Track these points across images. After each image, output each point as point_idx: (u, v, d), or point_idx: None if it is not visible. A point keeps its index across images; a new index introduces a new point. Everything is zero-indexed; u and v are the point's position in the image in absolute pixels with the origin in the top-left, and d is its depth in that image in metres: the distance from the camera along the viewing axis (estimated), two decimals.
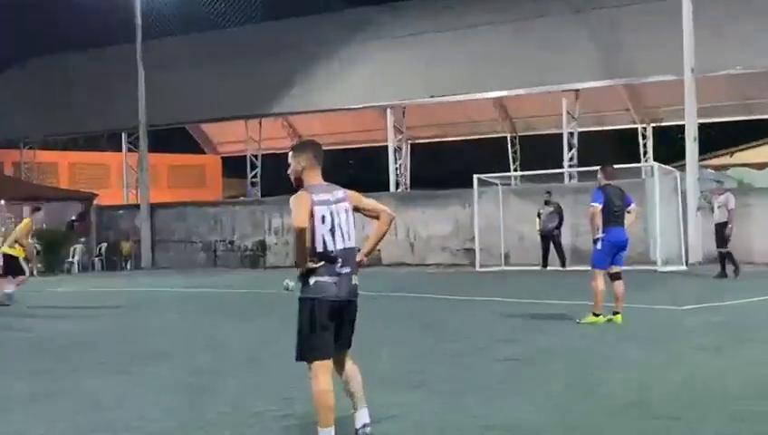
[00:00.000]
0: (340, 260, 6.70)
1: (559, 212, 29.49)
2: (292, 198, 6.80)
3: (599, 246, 15.71)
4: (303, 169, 6.93)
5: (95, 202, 41.96)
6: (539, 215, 30.47)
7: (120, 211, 41.81)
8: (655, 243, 26.50)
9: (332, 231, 6.72)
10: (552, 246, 29.95)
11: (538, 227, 30.72)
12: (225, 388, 10.40)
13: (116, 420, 8.60)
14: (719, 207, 24.61)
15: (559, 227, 29.62)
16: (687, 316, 16.57)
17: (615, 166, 17.86)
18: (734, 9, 32.43)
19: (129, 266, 39.72)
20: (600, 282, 15.47)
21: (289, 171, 7.03)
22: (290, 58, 44.22)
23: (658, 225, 26.80)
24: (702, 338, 13.86)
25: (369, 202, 7.24)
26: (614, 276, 15.63)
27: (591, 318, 15.47)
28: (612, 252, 15.77)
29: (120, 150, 46.11)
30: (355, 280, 6.87)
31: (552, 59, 37.08)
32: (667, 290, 20.56)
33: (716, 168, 38.46)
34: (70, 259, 38.92)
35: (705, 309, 17.31)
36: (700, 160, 30.32)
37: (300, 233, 6.65)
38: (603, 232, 15.74)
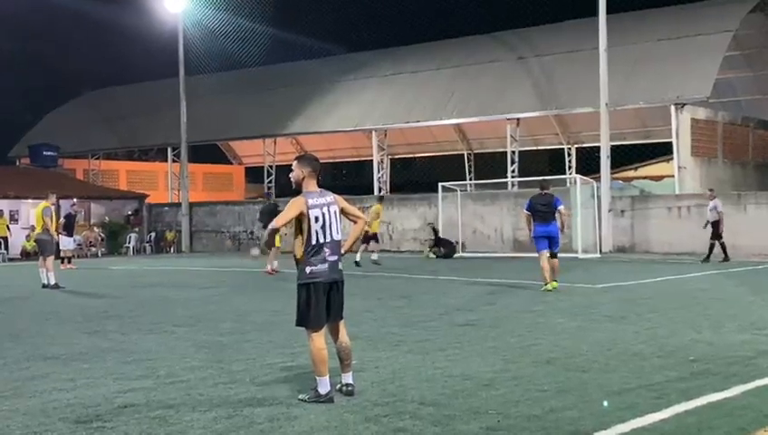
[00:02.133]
0: (327, 250, 6.86)
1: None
2: (291, 201, 7.01)
3: (533, 236, 17.42)
4: (303, 178, 7.01)
5: (146, 201, 41.82)
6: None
7: (166, 208, 41.77)
8: (576, 236, 26.63)
9: (323, 228, 6.86)
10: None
11: None
12: (245, 346, 10.52)
13: (158, 369, 8.67)
14: (710, 209, 24.57)
15: None
16: (601, 293, 16.69)
17: (546, 178, 20.15)
18: (638, 58, 32.55)
19: (172, 251, 39.55)
20: (542, 261, 16.83)
21: (291, 176, 7.12)
22: (298, 91, 44.13)
23: (579, 222, 26.94)
24: (611, 309, 14.06)
25: (351, 208, 7.34)
26: (552, 256, 16.86)
27: (544, 287, 16.67)
28: (544, 239, 16.97)
29: (166, 161, 45.85)
30: (340, 265, 7.02)
31: (499, 94, 37.25)
32: (585, 272, 20.56)
33: (624, 179, 38.60)
34: (126, 245, 38.82)
35: (615, 287, 17.52)
36: (612, 174, 30.45)
37: (273, 231, 7.55)
38: (533, 228, 17.36)
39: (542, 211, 17.32)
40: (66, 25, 73.70)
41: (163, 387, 8.00)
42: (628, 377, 8.15)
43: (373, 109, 41.29)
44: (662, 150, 36.94)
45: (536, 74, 36.35)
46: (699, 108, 32.74)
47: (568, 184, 29.83)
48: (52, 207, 20.81)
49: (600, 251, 27.65)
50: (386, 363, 8.46)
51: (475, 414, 6.35)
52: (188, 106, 39.66)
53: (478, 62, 39.41)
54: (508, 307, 14.80)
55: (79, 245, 33.74)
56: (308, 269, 6.88)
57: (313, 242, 6.86)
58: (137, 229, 40.10)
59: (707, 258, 23.78)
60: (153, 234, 40.72)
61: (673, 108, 32.40)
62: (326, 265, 6.88)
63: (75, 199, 32.17)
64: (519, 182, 33.49)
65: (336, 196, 7.00)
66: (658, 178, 37.75)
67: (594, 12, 28.94)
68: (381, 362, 8.39)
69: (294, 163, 7.12)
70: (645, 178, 39.02)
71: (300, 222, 6.92)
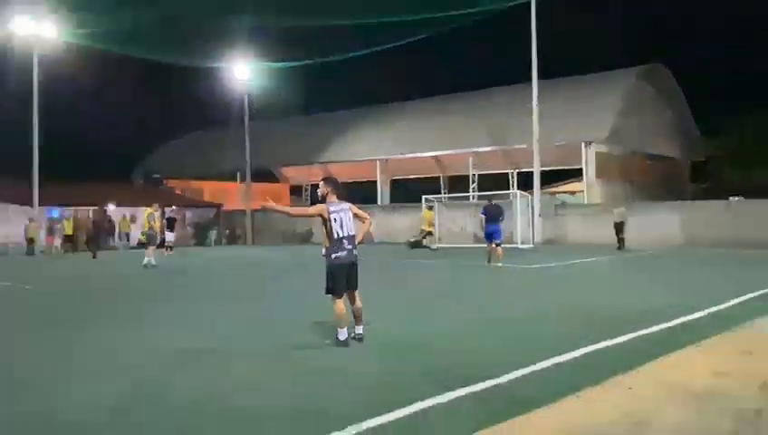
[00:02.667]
0: (345, 242, 7.09)
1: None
2: (317, 205, 7.45)
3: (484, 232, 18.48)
4: (327, 192, 7.24)
5: (222, 208, 41.83)
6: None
7: (236, 213, 41.63)
8: (517, 232, 26.77)
9: (341, 227, 7.08)
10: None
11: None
12: (290, 309, 10.54)
13: (213, 337, 8.23)
14: (616, 211, 24.73)
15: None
16: (534, 271, 16.57)
17: (496, 193, 20.03)
18: (560, 111, 32.69)
19: (240, 243, 39.23)
20: (490, 249, 18.00)
21: (318, 191, 7.39)
22: (326, 132, 44.42)
23: (519, 223, 27.17)
24: (542, 282, 14.23)
25: (360, 212, 7.42)
26: (497, 245, 17.83)
27: (492, 265, 17.42)
28: (491, 234, 18.07)
29: (236, 181, 45.77)
30: (355, 252, 7.22)
31: (463, 134, 37.54)
32: (523, 257, 20.61)
33: (551, 193, 38.70)
34: (209, 239, 38.89)
35: (544, 267, 17.31)
36: (541, 190, 30.57)
37: (289, 212, 8.57)
38: (485, 227, 18.46)
39: (494, 216, 18.12)
40: (164, 83, 73.69)
41: (250, 334, 8.28)
42: (548, 325, 8.28)
43: (378, 145, 41.56)
44: (575, 174, 37.12)
45: (488, 120, 36.57)
46: (601, 145, 32.97)
47: (511, 197, 29.88)
48: (156, 213, 21.03)
49: (533, 242, 27.79)
50: (378, 322, 8.31)
51: (440, 353, 6.72)
52: (251, 141, 39.79)
53: (449, 113, 39.59)
54: (468, 282, 14.81)
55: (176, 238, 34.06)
56: (333, 255, 7.08)
57: (335, 237, 7.05)
58: (216, 228, 40.02)
59: (622, 247, 23.88)
60: (227, 231, 40.57)
61: (583, 145, 32.77)
62: (345, 252, 7.08)
63: (174, 207, 32.43)
64: (478, 196, 33.62)
65: (350, 204, 7.31)
66: (573, 193, 37.99)
67: (530, 78, 29.11)
68: (374, 321, 8.14)
69: (321, 183, 7.40)
70: (564, 192, 39.19)
71: (324, 224, 7.13)
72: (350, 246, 7.15)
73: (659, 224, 27.06)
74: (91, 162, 52.83)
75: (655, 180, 37.20)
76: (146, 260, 19.40)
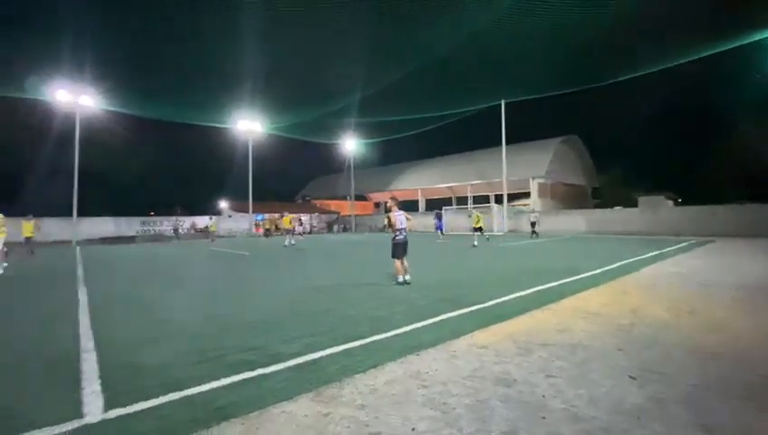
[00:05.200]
0: (401, 230, 6.95)
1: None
2: (389, 214, 7.03)
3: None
4: (391, 207, 7.03)
5: (339, 214, 42.13)
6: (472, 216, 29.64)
7: (346, 217, 41.86)
8: (494, 226, 26.00)
9: (400, 223, 6.95)
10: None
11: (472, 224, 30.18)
12: (372, 265, 9.82)
13: (330, 279, 7.52)
14: (532, 215, 22.48)
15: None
16: (502, 247, 15.11)
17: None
18: (518, 160, 31.56)
19: (348, 232, 38.18)
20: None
21: (387, 204, 7.14)
22: (393, 173, 44.04)
23: (495, 221, 26.38)
24: (508, 253, 12.86)
25: (409, 216, 7.12)
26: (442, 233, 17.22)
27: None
28: (439, 227, 17.32)
29: (346, 199, 45.70)
30: (406, 236, 7.01)
31: (464, 175, 36.50)
32: (495, 240, 19.84)
33: (513, 206, 37.49)
34: (333, 229, 38.31)
35: (508, 246, 15.90)
36: (509, 203, 29.63)
37: (389, 223, 7.09)
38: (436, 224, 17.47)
39: (440, 217, 17.78)
40: (309, 150, 74.43)
41: (350, 278, 7.72)
42: (512, 276, 7.79)
43: (419, 179, 40.81)
44: (526, 195, 35.73)
45: (478, 166, 35.67)
46: (540, 178, 31.56)
47: (493, 208, 29.06)
48: (294, 216, 20.81)
49: (503, 232, 26.95)
50: (419, 273, 8.19)
51: (450, 291, 6.50)
52: (356, 179, 40.05)
53: (455, 164, 38.68)
54: (459, 255, 13.74)
55: (306, 231, 34.53)
56: (396, 237, 6.98)
57: (397, 227, 6.98)
58: (336, 224, 39.79)
59: (535, 237, 21.57)
60: (342, 226, 40.08)
61: (531, 179, 31.51)
62: (402, 236, 6.99)
63: (309, 216, 32.95)
64: (472, 207, 32.94)
65: (403, 211, 7.20)
66: (525, 205, 36.56)
67: (500, 143, 28.32)
68: (418, 273, 8.02)
69: (390, 200, 7.15)
70: (520, 205, 37.73)
71: (390, 221, 7.00)
72: (404, 233, 7.03)
73: (572, 222, 25.73)
74: (275, 189, 54.62)
75: (569, 198, 35.40)
76: (286, 241, 18.43)
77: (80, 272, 9.52)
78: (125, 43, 16.29)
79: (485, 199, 36.98)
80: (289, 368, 3.32)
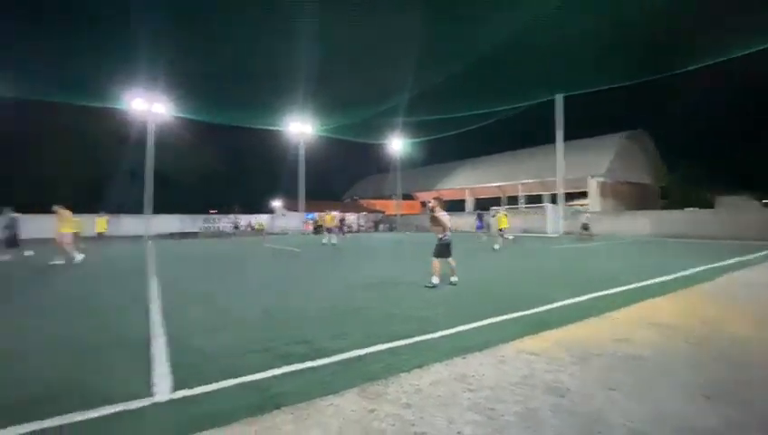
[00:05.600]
0: (448, 230, 6.79)
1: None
2: (436, 214, 6.75)
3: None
4: (434, 206, 6.83)
5: (385, 213, 42.36)
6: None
7: (392, 216, 41.89)
8: (548, 226, 24.82)
9: (448, 223, 6.79)
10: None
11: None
12: (414, 271, 9.08)
13: (376, 276, 7.55)
14: (583, 216, 19.58)
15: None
16: (553, 250, 14.21)
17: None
18: (575, 159, 29.86)
19: (394, 231, 38.17)
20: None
21: (429, 204, 6.95)
22: (439, 173, 43.56)
23: (549, 222, 25.12)
24: (559, 256, 11.96)
25: (449, 217, 6.92)
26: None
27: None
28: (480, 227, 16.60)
29: (392, 199, 45.61)
30: (451, 237, 6.83)
31: (514, 170, 35.16)
32: (550, 242, 18.94)
33: (570, 206, 35.50)
34: (379, 228, 38.62)
35: (560, 248, 15.21)
36: (566, 203, 28.12)
37: (437, 222, 6.78)
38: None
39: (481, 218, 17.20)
40: (360, 150, 75.58)
41: (394, 275, 7.62)
42: (559, 282, 7.15)
43: (467, 179, 40.05)
44: (584, 195, 33.68)
45: (530, 165, 34.27)
46: (600, 177, 29.64)
47: (546, 208, 27.75)
48: (336, 214, 20.86)
49: (558, 233, 25.64)
50: (462, 274, 7.94)
51: (497, 293, 6.30)
52: (402, 179, 40.12)
53: (505, 163, 37.48)
54: (508, 252, 12.76)
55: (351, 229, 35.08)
56: (441, 237, 6.80)
57: (446, 227, 6.81)
58: (382, 223, 40.11)
59: (588, 239, 19.59)
60: (387, 225, 40.35)
61: (589, 177, 29.72)
62: (448, 236, 6.82)
63: (356, 215, 33.43)
64: (526, 208, 31.69)
65: (446, 212, 7.05)
66: (582, 205, 34.49)
67: (553, 140, 26.91)
68: (463, 273, 7.80)
69: (432, 199, 6.95)
70: (578, 205, 35.56)
71: (440, 220, 6.77)
72: (449, 233, 6.86)
73: (634, 224, 23.82)
74: (325, 189, 55.97)
75: (633, 198, 32.78)
76: (324, 239, 18.33)
77: (150, 263, 10.24)
78: (194, 52, 17.70)
79: (538, 199, 35.43)
80: (335, 362, 3.41)
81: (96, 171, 43.80)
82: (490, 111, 28.94)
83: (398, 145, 39.19)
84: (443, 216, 6.80)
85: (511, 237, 18.76)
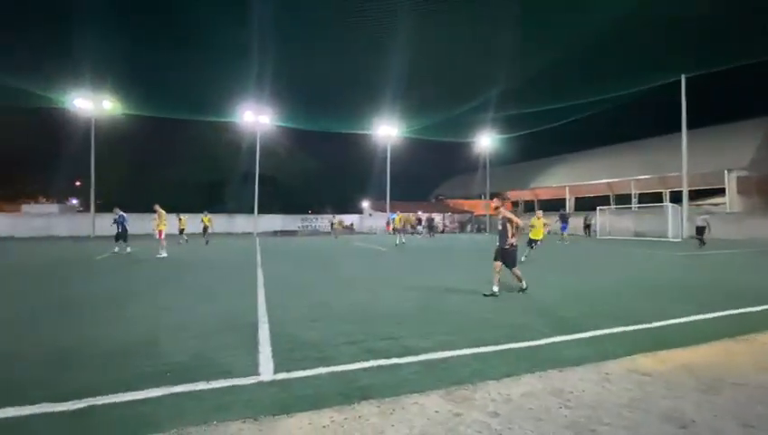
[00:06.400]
0: (516, 238, 6.11)
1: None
2: (507, 212, 6.09)
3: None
4: (498, 206, 6.19)
5: (473, 214, 41.00)
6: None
7: (480, 216, 40.00)
8: (668, 230, 21.57)
9: (521, 223, 6.24)
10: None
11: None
12: (446, 273, 9.14)
13: (440, 280, 7.28)
14: (700, 218, 16.48)
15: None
16: (675, 257, 12.24)
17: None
18: (702, 151, 25.46)
19: (482, 232, 36.17)
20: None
21: (493, 204, 6.28)
22: (532, 171, 40.90)
23: (670, 225, 21.79)
24: (681, 264, 10.23)
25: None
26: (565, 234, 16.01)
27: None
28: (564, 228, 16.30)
29: (481, 199, 43.73)
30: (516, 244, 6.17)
31: (626, 165, 31.28)
32: (675, 246, 16.40)
33: (699, 205, 30.33)
34: (466, 229, 37.73)
35: (682, 255, 12.85)
36: (693, 202, 24.22)
37: (511, 224, 6.06)
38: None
39: (565, 218, 16.83)
40: (446, 150, 74.25)
41: (471, 284, 6.99)
42: (681, 294, 6.14)
43: (567, 176, 36.92)
44: (719, 192, 28.37)
45: (646, 158, 30.23)
46: (741, 171, 24.90)
47: (667, 208, 24.10)
48: (409, 215, 20.75)
49: (681, 237, 22.13)
50: (560, 279, 7.43)
51: (601, 303, 5.68)
52: (491, 176, 38.70)
53: (615, 156, 33.64)
54: (611, 257, 11.43)
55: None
56: (513, 242, 6.06)
57: (514, 230, 6.08)
58: (470, 224, 38.76)
59: (701, 245, 15.92)
60: (476, 225, 38.72)
61: (726, 172, 25.23)
62: (515, 243, 6.11)
63: (442, 215, 32.86)
64: (637, 207, 28.00)
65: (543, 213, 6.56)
66: (716, 205, 29.12)
67: (676, 129, 23.27)
68: (559, 279, 7.28)
69: (495, 199, 6.44)
70: (711, 204, 30.14)
71: (514, 221, 6.07)
72: (515, 241, 6.13)
73: None
74: (413, 190, 56.39)
75: None
76: (397, 240, 18.23)
77: (258, 258, 11.42)
78: (299, 67, 19.46)
79: (657, 198, 31.02)
80: (420, 362, 3.43)
81: (215, 176, 50.96)
82: (594, 101, 26.18)
83: (486, 142, 37.76)
84: (513, 217, 6.10)
85: (539, 243, 15.33)
